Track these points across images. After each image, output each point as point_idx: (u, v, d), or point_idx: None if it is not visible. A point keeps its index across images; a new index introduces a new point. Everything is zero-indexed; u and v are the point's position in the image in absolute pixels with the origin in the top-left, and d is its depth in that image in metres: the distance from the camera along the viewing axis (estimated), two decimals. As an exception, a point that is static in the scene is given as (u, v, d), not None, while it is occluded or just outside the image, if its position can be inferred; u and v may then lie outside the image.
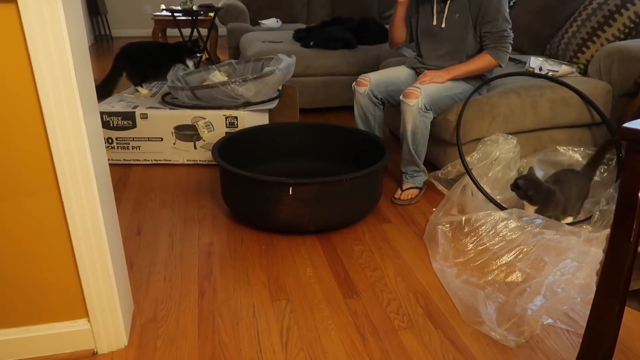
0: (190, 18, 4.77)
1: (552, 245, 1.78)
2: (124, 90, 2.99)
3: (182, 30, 4.86)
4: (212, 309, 1.56)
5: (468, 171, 2.13)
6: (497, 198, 2.13)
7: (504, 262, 1.75)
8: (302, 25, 4.37)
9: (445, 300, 1.61)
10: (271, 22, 4.71)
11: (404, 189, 2.29)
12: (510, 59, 2.93)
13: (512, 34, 2.17)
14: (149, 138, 2.61)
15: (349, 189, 1.93)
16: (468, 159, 2.23)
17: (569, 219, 2.05)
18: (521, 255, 1.75)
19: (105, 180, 1.31)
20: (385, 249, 1.90)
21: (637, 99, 2.33)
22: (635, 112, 2.34)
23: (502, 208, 2.01)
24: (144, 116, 2.57)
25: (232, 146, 2.32)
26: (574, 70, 2.54)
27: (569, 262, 1.72)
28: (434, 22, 2.27)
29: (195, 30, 4.97)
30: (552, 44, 2.88)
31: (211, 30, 4.86)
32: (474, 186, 2.13)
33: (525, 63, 2.68)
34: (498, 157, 2.25)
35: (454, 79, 2.21)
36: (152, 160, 2.65)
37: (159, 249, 1.88)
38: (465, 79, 2.28)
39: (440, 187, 2.34)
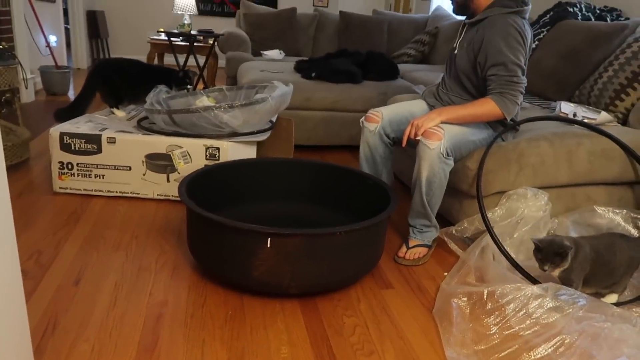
0: (187, 43, 4.50)
1: (601, 335, 1.37)
2: (100, 110, 2.64)
3: (179, 56, 4.59)
4: (145, 401, 1.14)
5: (490, 230, 1.75)
6: (524, 265, 1.73)
7: (540, 355, 1.34)
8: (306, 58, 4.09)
9: (463, 407, 1.19)
10: (274, 53, 4.44)
11: (410, 246, 1.90)
12: (538, 104, 2.60)
13: (524, 82, 1.77)
14: (115, 166, 2.23)
15: (343, 243, 1.54)
16: (489, 214, 1.85)
17: (614, 297, 1.65)
18: (562, 347, 1.34)
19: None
20: (385, 324, 1.49)
21: (691, 156, 1.97)
22: (687, 171, 1.98)
23: (534, 281, 1.61)
24: (112, 140, 2.20)
25: (208, 182, 1.94)
26: (613, 119, 2.20)
27: (625, 360, 1.31)
28: (454, 45, 1.97)
29: (192, 56, 4.69)
30: (582, 90, 2.55)
31: (209, 57, 4.58)
32: (497, 249, 1.74)
33: (554, 108, 2.34)
34: (525, 215, 1.87)
35: (451, 122, 1.78)
36: (116, 192, 2.27)
37: (97, 306, 1.47)
38: (490, 122, 1.93)
39: (454, 247, 1.95)
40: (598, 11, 3.07)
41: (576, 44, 2.70)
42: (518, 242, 1.85)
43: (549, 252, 1.53)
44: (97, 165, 2.23)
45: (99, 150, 2.21)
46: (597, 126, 2.05)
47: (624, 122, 2.26)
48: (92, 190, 2.26)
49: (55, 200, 2.20)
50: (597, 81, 2.44)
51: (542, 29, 3.07)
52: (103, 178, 2.25)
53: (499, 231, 1.82)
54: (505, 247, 1.74)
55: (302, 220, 2.04)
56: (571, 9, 3.06)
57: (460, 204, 1.99)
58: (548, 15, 3.15)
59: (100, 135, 2.20)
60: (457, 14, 1.93)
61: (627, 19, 2.97)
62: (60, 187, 2.26)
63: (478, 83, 1.88)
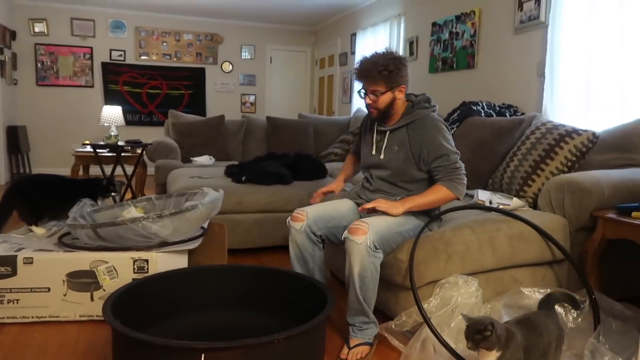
0: (114, 154, 4.47)
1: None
2: (17, 229, 2.49)
3: (106, 167, 4.52)
4: None
5: (427, 321, 1.76)
6: (465, 355, 1.74)
7: None
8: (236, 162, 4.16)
9: None
10: (204, 159, 4.49)
11: (351, 345, 1.86)
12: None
13: (463, 165, 2.01)
14: (32, 289, 2.07)
15: (283, 351, 1.48)
16: (425, 305, 1.87)
17: (551, 378, 1.66)
18: None
19: None
20: None
21: (596, 233, 2.14)
22: (596, 247, 2.14)
23: (475, 370, 1.60)
24: (29, 261, 2.06)
25: (136, 297, 1.85)
26: (525, 204, 2.38)
27: None
28: (373, 152, 2.10)
29: (120, 167, 4.64)
30: (495, 178, 2.77)
31: (137, 166, 4.54)
32: (436, 340, 1.74)
33: (472, 196, 2.50)
34: (459, 302, 1.91)
35: (407, 213, 1.96)
36: (32, 317, 2.08)
37: None
38: (415, 213, 2.02)
39: (395, 342, 1.93)
40: (498, 108, 3.44)
41: (483, 137, 2.97)
42: (456, 330, 1.86)
43: (477, 322, 1.51)
44: (10, 289, 2.06)
45: (13, 273, 2.06)
46: (511, 212, 2.20)
47: (534, 205, 2.45)
48: (4, 318, 2.06)
49: (-41, 333, 1.97)
50: (506, 170, 2.67)
51: (452, 126, 3.36)
52: (17, 303, 2.07)
53: (437, 321, 1.83)
54: (444, 338, 1.74)
55: (239, 330, 1.95)
56: (475, 107, 3.40)
57: (396, 297, 2.01)
58: (456, 113, 3.48)
59: (15, 257, 2.06)
60: (378, 121, 2.09)
61: (522, 113, 3.33)
62: (-33, 318, 2.05)
63: (413, 176, 2.03)
